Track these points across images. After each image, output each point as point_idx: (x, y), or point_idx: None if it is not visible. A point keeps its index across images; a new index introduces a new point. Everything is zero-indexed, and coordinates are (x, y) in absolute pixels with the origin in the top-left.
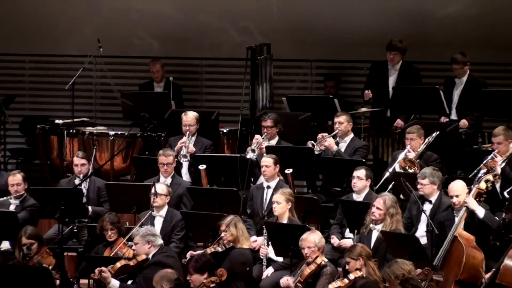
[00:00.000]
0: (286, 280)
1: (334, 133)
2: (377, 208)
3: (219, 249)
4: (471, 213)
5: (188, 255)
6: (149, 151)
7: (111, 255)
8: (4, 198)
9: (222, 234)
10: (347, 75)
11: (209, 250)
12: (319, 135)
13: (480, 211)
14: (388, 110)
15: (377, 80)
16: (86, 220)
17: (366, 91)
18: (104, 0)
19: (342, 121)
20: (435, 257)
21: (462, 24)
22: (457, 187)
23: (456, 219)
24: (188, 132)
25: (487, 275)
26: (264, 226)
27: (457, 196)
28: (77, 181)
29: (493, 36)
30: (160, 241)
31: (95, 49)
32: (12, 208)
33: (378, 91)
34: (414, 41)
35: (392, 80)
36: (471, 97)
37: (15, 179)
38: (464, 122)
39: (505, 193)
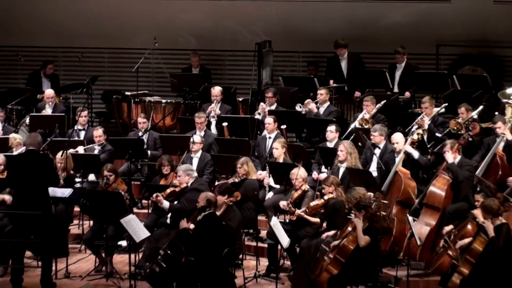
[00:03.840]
0: (284, 204)
1: (316, 100)
2: (340, 150)
3: (236, 180)
4: (408, 155)
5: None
6: (189, 113)
7: (167, 183)
8: (91, 145)
9: (238, 170)
10: (323, 62)
11: (230, 180)
12: (306, 101)
13: (415, 153)
14: (346, 86)
15: (334, 68)
16: (146, 160)
17: (331, 81)
18: (159, 10)
19: (322, 93)
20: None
21: (401, 27)
22: (397, 137)
23: (397, 160)
24: (215, 101)
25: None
26: (267, 164)
27: (397, 143)
28: (140, 134)
29: (423, 35)
30: (195, 174)
31: (153, 44)
32: (96, 152)
33: (336, 74)
34: (367, 39)
35: (344, 65)
36: (408, 77)
37: (98, 133)
38: (407, 94)
39: (428, 149)
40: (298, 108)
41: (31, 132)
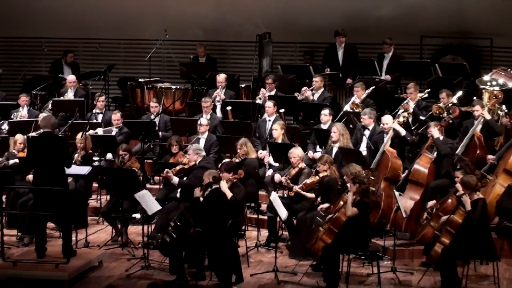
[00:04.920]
0: (278, 177)
1: (311, 87)
2: (333, 132)
3: (237, 160)
4: (396, 134)
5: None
6: (196, 98)
7: (176, 161)
8: (109, 128)
9: (238, 151)
10: (318, 52)
11: (233, 160)
12: (303, 88)
13: (402, 131)
14: (340, 73)
15: (331, 55)
16: (158, 140)
17: (326, 68)
18: (169, 5)
19: (317, 80)
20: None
21: (388, 20)
22: (386, 118)
23: (385, 140)
24: (220, 87)
25: (403, 175)
26: (267, 144)
27: (386, 123)
28: (152, 117)
29: (408, 28)
30: (203, 153)
31: (163, 36)
32: (113, 133)
33: (332, 62)
34: (359, 30)
35: (340, 55)
36: (394, 65)
37: (116, 116)
38: (387, 77)
39: (413, 130)
40: (297, 95)
41: (46, 116)
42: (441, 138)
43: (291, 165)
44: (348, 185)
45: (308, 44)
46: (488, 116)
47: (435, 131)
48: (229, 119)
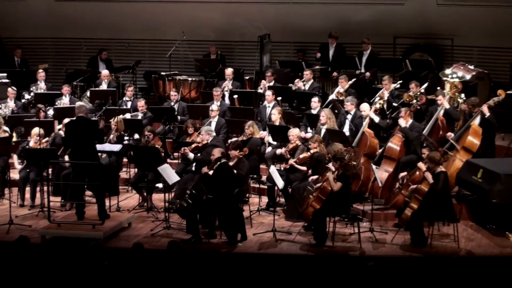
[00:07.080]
0: (279, 150)
1: (303, 79)
2: (322, 116)
3: (244, 138)
4: (371, 120)
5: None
6: (208, 88)
7: (191, 140)
8: (135, 113)
9: (246, 130)
10: (310, 49)
11: (240, 138)
12: (296, 81)
13: (376, 118)
14: (329, 67)
15: (323, 52)
16: (177, 123)
17: (318, 54)
18: (186, 11)
19: (307, 73)
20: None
21: (367, 24)
22: (363, 106)
23: (364, 123)
24: (228, 79)
25: (379, 151)
26: (267, 126)
27: (364, 111)
28: (172, 104)
29: (383, 29)
30: (214, 133)
31: (181, 36)
32: (139, 117)
33: (324, 58)
34: (344, 32)
35: (331, 52)
36: (371, 61)
37: (141, 103)
38: (367, 74)
39: (387, 115)
40: (291, 86)
41: (79, 104)
42: (410, 122)
43: (290, 141)
44: (330, 164)
45: (301, 43)
46: (447, 106)
47: (401, 121)
48: (236, 106)
